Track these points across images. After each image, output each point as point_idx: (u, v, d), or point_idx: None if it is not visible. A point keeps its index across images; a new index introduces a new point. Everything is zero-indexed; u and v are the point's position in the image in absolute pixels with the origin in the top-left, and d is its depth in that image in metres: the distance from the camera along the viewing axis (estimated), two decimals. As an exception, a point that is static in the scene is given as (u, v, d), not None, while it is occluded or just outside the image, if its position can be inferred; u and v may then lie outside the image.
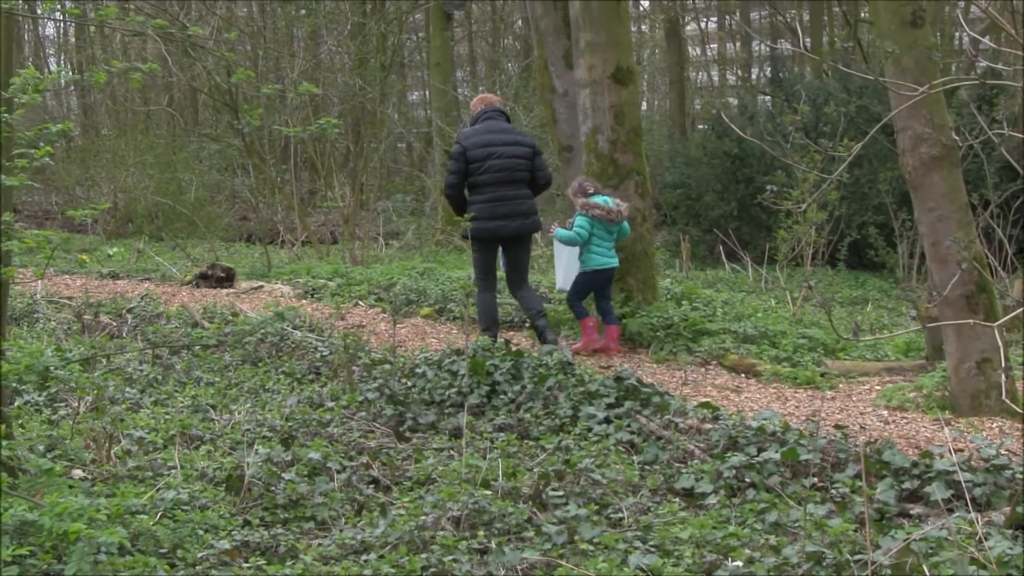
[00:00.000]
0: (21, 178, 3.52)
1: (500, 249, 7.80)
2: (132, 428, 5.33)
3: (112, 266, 12.59)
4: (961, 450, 4.97)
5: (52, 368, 4.29)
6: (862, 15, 20.72)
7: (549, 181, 7.96)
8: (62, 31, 26.74)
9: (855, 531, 3.94)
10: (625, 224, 7.94)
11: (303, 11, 20.32)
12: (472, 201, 7.58)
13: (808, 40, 22.19)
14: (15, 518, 3.08)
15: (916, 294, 7.77)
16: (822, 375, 7.25)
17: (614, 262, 7.86)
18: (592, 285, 7.85)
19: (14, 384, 4.33)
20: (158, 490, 4.34)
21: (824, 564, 3.65)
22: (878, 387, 6.99)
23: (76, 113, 23.81)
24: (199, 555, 3.77)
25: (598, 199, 7.81)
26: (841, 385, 7.12)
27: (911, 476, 4.57)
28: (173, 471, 4.70)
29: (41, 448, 4.56)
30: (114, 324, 8.47)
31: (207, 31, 15.52)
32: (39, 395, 5.94)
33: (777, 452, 4.77)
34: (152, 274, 11.98)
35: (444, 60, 19.23)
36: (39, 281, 9.34)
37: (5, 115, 3.55)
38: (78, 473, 4.51)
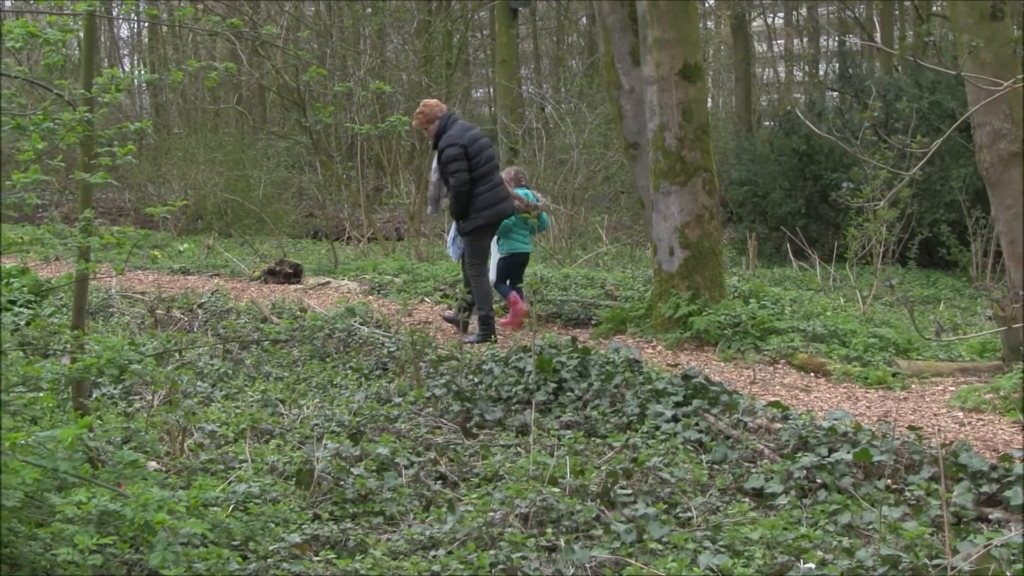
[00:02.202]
0: (103, 175, 3.60)
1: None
2: (204, 421, 5.42)
3: (183, 262, 12.82)
4: (1042, 454, 4.83)
5: (129, 362, 4.38)
6: (935, 9, 20.28)
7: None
8: (136, 32, 27.35)
9: (931, 535, 3.85)
10: (544, 216, 8.86)
11: (369, 9, 20.51)
12: (478, 192, 8.00)
13: (879, 35, 21.76)
14: (98, 508, 3.16)
15: (995, 294, 7.57)
16: (894, 375, 7.10)
17: (528, 248, 8.75)
18: (508, 268, 8.56)
19: (93, 377, 4.43)
20: (230, 483, 4.41)
21: (900, 568, 3.57)
22: (952, 388, 6.83)
23: (148, 112, 24.31)
24: (271, 548, 3.82)
25: (519, 191, 8.58)
26: (914, 386, 6.97)
27: (989, 480, 4.46)
28: (244, 464, 4.77)
29: (118, 440, 4.67)
30: (185, 319, 8.62)
31: (277, 30, 15.76)
32: (115, 388, 6.08)
33: (849, 453, 4.68)
34: (221, 270, 12.17)
35: (509, 57, 19.27)
36: (114, 276, 9.55)
37: (88, 114, 3.63)
38: (153, 465, 4.60)
